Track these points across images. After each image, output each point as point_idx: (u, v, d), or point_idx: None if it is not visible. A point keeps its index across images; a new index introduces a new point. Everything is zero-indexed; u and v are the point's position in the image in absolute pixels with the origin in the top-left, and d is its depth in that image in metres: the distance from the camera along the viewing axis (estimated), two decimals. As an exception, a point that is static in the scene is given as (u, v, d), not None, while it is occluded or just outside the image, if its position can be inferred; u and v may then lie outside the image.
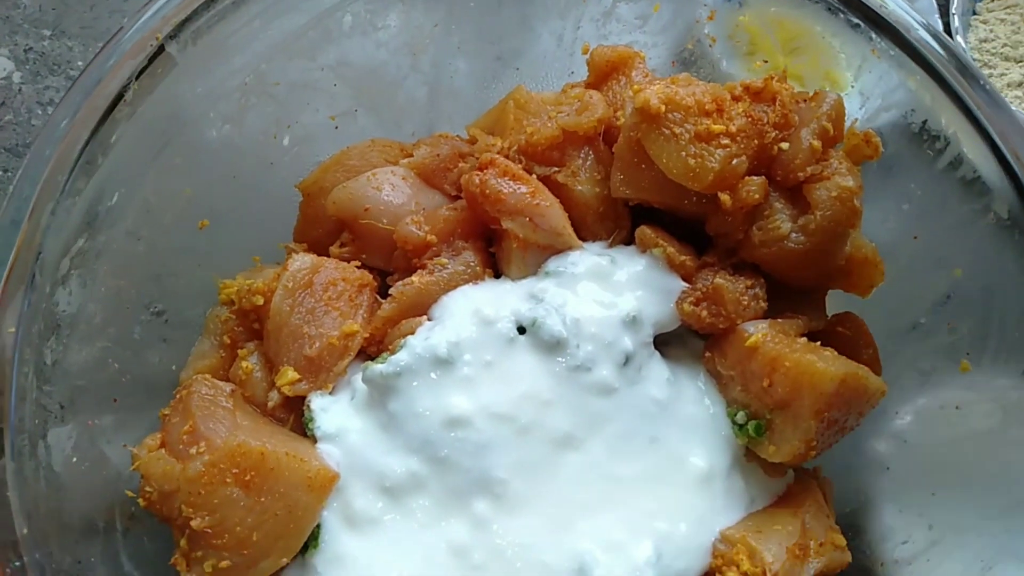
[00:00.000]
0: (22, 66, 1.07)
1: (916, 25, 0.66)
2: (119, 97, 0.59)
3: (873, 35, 0.68)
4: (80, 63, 1.08)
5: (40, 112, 1.05)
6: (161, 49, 0.60)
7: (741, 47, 0.84)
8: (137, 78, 0.59)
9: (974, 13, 1.17)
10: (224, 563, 0.62)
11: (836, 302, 0.80)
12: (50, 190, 0.56)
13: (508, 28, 0.83)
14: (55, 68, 1.07)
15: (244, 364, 0.72)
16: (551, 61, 0.86)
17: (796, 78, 0.84)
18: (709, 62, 0.87)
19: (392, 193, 0.79)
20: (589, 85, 0.83)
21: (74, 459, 0.58)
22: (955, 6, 1.15)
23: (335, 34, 0.74)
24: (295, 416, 0.72)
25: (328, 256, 0.78)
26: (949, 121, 0.67)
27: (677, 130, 0.70)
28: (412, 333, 0.72)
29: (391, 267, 0.80)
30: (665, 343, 0.77)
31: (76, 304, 0.60)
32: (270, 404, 0.71)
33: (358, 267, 0.77)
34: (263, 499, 0.63)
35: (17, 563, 0.51)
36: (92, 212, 0.60)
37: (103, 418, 0.63)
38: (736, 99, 0.72)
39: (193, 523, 0.61)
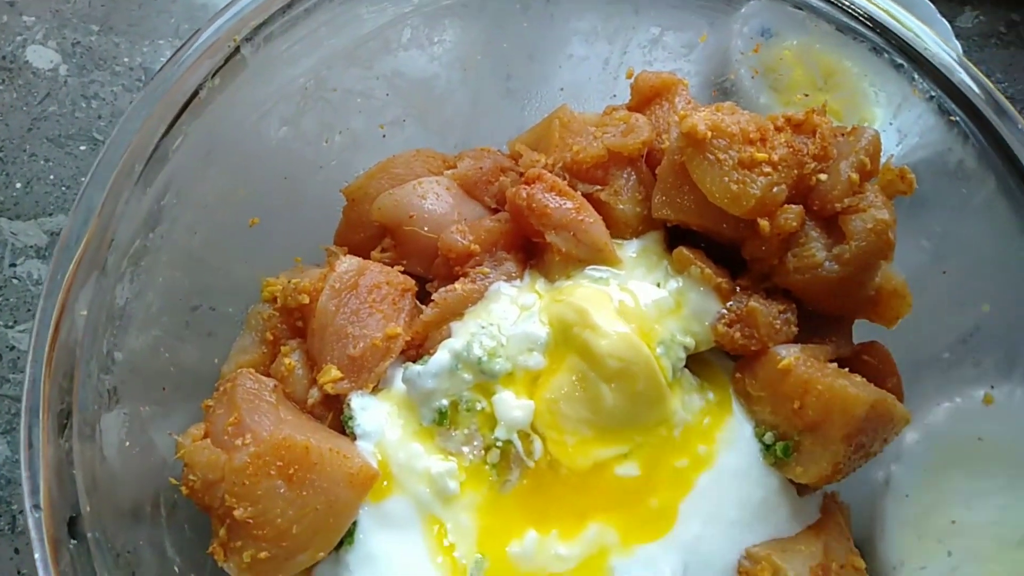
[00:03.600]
0: (69, 59, 1.09)
1: (958, 68, 0.69)
2: (195, 94, 0.61)
3: (916, 76, 0.71)
4: (126, 59, 1.10)
5: (84, 105, 1.07)
6: (236, 51, 0.62)
7: (782, 80, 0.87)
8: (212, 76, 0.62)
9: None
10: (263, 554, 0.63)
11: (861, 332, 0.82)
12: (125, 179, 0.58)
13: (556, 49, 0.86)
14: (101, 63, 1.10)
15: (286, 361, 0.73)
16: (595, 83, 0.89)
17: (832, 113, 0.87)
18: (747, 94, 0.89)
19: (436, 202, 0.81)
20: (631, 108, 0.86)
21: (126, 443, 0.59)
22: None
23: (393, 45, 0.77)
24: (333, 414, 0.73)
25: (367, 259, 0.80)
26: (986, 161, 0.69)
27: (721, 156, 0.73)
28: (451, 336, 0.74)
29: (430, 274, 0.82)
30: (693, 363, 0.79)
31: (136, 292, 0.61)
32: (310, 401, 0.72)
33: (400, 272, 0.78)
34: (305, 493, 0.64)
35: (80, 540, 0.52)
36: (159, 203, 0.62)
37: (152, 406, 0.64)
38: (778, 130, 0.75)
39: (236, 513, 0.62)
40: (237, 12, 0.62)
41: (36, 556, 0.49)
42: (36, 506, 0.50)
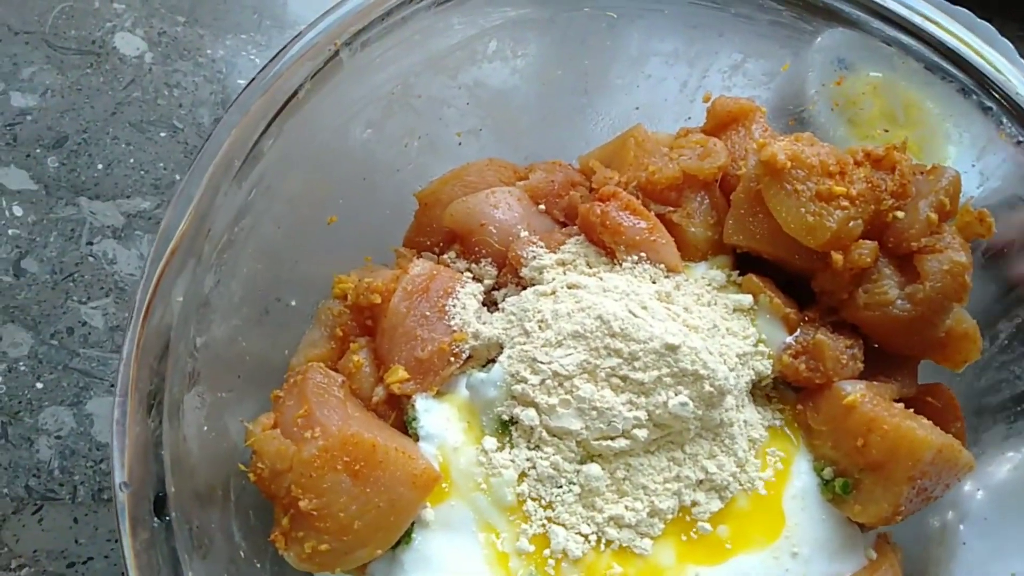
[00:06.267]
0: (154, 48, 1.12)
1: (1049, 114, 0.68)
2: (294, 94, 0.63)
3: (1004, 119, 0.70)
4: (209, 51, 1.13)
5: (166, 93, 1.10)
6: (335, 54, 0.64)
7: (861, 114, 0.86)
8: (312, 78, 0.63)
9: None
10: (323, 546, 0.64)
11: (924, 372, 0.81)
12: (224, 173, 0.60)
13: (635, 69, 0.87)
14: (185, 53, 1.13)
15: (355, 358, 0.74)
16: (670, 105, 0.89)
17: (909, 150, 0.86)
18: (823, 125, 0.89)
19: (507, 212, 0.82)
20: (706, 132, 0.86)
21: (204, 428, 0.61)
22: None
23: (479, 56, 0.78)
24: (397, 414, 0.74)
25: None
26: (1072, 211, 0.69)
27: (799, 187, 0.73)
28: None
29: (497, 282, 0.83)
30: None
31: (223, 281, 0.63)
32: (375, 399, 0.73)
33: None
34: (369, 489, 0.65)
35: (167, 518, 0.54)
36: (250, 196, 0.64)
37: (227, 392, 0.66)
38: (857, 164, 0.75)
39: (301, 503, 0.64)
40: (339, 16, 0.64)
41: (122, 532, 0.51)
42: (126, 483, 0.52)
